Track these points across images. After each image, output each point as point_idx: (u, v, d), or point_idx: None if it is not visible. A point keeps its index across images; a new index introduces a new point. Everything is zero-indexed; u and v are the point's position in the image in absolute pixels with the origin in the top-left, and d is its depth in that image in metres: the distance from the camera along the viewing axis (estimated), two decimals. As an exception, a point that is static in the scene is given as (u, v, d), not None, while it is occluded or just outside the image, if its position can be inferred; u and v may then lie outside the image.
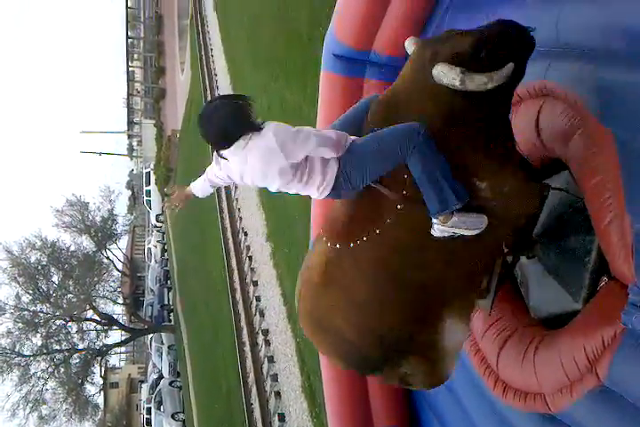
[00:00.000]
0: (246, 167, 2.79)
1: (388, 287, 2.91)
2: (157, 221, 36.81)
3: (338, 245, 2.93)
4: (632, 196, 2.47)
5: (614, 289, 2.65)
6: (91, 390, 34.80)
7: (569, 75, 2.93)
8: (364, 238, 2.86)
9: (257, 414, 11.04)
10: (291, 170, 2.75)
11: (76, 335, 31.59)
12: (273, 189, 2.90)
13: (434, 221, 2.76)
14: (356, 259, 2.90)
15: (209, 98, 21.17)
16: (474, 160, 2.73)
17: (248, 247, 13.35)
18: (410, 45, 2.84)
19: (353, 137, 2.85)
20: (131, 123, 49.77)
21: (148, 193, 35.64)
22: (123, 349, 44.27)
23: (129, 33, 46.53)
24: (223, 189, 16.60)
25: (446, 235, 2.77)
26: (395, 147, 2.68)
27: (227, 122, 2.68)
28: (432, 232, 2.78)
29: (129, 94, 48.48)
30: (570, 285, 3.12)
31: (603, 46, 2.72)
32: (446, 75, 2.57)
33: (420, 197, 2.74)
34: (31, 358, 30.17)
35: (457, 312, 3.01)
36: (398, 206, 2.78)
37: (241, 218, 14.54)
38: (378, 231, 2.83)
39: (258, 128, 2.69)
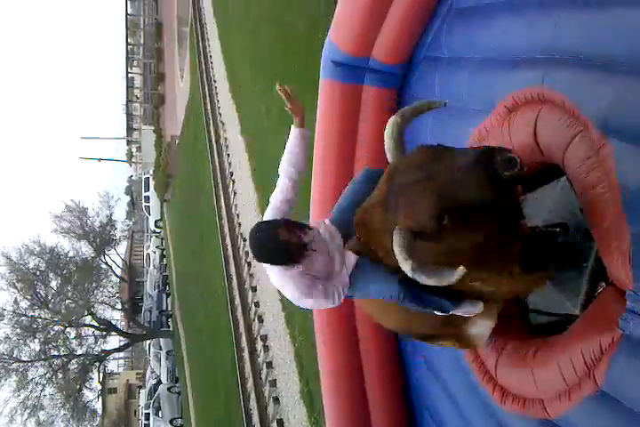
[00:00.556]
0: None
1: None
2: (156, 227, 36.81)
3: None
4: (630, 202, 2.49)
5: (612, 295, 2.66)
6: (89, 395, 34.80)
7: (567, 81, 2.95)
8: None
9: (255, 419, 11.02)
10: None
11: (74, 341, 31.58)
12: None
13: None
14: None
15: (208, 104, 21.22)
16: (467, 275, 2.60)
17: (247, 253, 13.34)
18: (388, 138, 2.77)
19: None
20: (130, 129, 49.81)
21: (147, 199, 35.65)
22: (121, 354, 44.21)
23: (129, 39, 46.62)
24: (222, 197, 16.62)
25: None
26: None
27: (269, 256, 2.93)
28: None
29: (128, 100, 48.52)
30: (568, 291, 3.13)
31: (601, 53, 2.74)
32: (401, 262, 2.48)
33: None
34: (29, 364, 30.14)
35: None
36: None
37: (240, 224, 14.55)
38: None
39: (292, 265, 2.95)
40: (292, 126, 3.25)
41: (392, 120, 2.76)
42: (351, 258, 3.05)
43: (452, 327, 3.27)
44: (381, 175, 2.75)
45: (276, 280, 3.03)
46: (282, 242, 2.83)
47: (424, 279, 2.46)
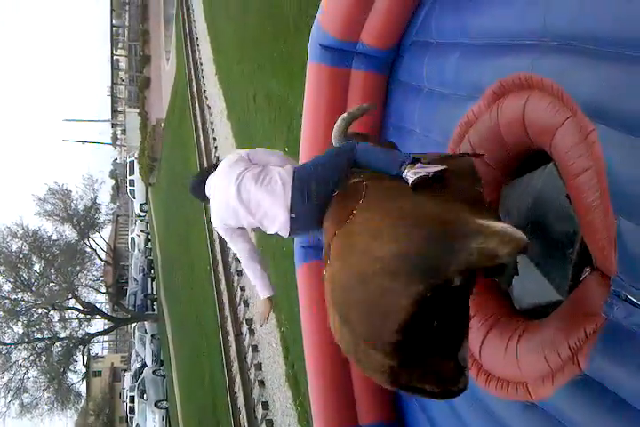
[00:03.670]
0: (218, 195, 3.35)
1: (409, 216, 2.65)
2: (141, 211, 36.65)
3: (335, 232, 2.79)
4: (617, 189, 2.50)
5: (597, 280, 2.69)
6: (73, 378, 34.78)
7: (556, 67, 2.95)
8: (354, 211, 2.74)
9: (241, 402, 11.09)
10: (241, 161, 3.31)
11: (58, 324, 31.46)
12: (235, 197, 3.23)
13: (403, 175, 2.85)
14: (360, 221, 2.71)
15: (194, 87, 21.06)
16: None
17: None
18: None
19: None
20: (115, 111, 49.40)
21: (132, 182, 35.45)
22: (106, 338, 44.21)
23: (114, 21, 46.05)
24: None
25: (422, 175, 2.78)
26: (339, 155, 3.14)
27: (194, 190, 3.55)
28: (410, 182, 2.79)
29: (113, 83, 48.06)
30: (553, 275, 3.16)
31: (592, 38, 2.74)
32: (336, 126, 3.33)
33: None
34: (12, 347, 30.01)
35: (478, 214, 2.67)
36: (365, 183, 2.91)
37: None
38: (361, 201, 2.78)
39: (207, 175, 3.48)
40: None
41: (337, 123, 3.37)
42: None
43: (466, 215, 2.60)
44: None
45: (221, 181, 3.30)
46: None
47: (360, 107, 3.45)
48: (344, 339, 2.68)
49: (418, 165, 2.87)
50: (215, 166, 3.41)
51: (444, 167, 2.84)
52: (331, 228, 2.90)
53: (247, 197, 3.15)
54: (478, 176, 3.02)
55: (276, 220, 3.13)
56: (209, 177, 3.40)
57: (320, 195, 3.05)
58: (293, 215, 3.08)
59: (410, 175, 2.84)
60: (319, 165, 3.14)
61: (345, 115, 3.37)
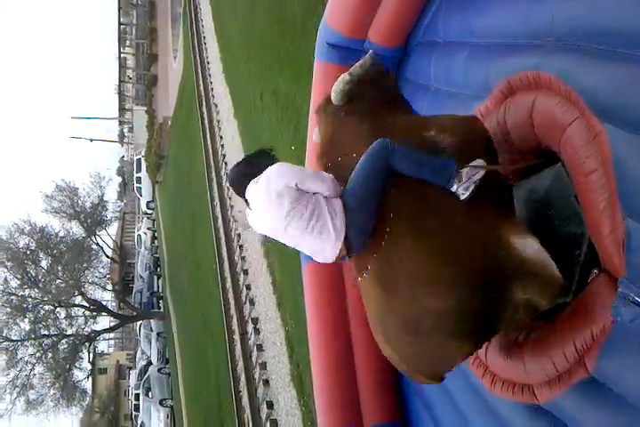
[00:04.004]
0: (258, 213, 3.03)
1: (434, 257, 2.76)
2: (148, 208, 36.73)
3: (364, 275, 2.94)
4: (625, 190, 2.48)
5: (604, 282, 2.66)
6: (79, 375, 34.95)
7: (564, 67, 2.92)
8: (375, 254, 2.86)
9: (245, 401, 11.10)
10: (292, 193, 2.89)
11: (64, 321, 31.58)
12: (281, 227, 2.97)
13: (454, 188, 2.85)
14: (387, 260, 2.84)
15: (201, 86, 21.08)
16: (412, 127, 3.14)
17: (239, 236, 13.35)
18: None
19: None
20: (122, 109, 49.53)
21: (139, 180, 35.54)
22: (111, 335, 44.36)
23: (121, 19, 46.16)
24: (215, 179, 16.58)
25: (472, 188, 2.83)
26: (375, 165, 2.87)
27: (241, 177, 3.08)
28: (462, 198, 2.83)
29: (120, 81, 48.20)
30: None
31: (599, 38, 2.72)
32: (337, 82, 3.09)
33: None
34: (19, 343, 30.14)
35: (510, 228, 2.84)
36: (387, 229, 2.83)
37: (232, 206, 14.53)
38: (386, 236, 2.83)
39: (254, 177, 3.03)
40: None
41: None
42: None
43: (504, 256, 2.77)
44: None
45: (264, 181, 2.97)
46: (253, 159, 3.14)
47: (357, 64, 3.12)
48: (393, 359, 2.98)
49: (464, 171, 2.84)
50: (258, 168, 3.03)
51: (484, 171, 2.87)
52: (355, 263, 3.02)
53: (293, 235, 2.95)
54: (493, 146, 3.14)
55: (322, 254, 2.99)
56: (250, 181, 3.01)
57: (367, 223, 2.88)
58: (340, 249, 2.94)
59: (461, 191, 2.84)
60: (358, 190, 2.89)
61: (346, 76, 3.15)
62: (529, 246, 2.80)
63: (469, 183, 2.84)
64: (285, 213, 2.87)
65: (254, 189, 2.97)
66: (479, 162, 2.91)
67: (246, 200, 3.05)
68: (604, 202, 2.58)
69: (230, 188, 3.29)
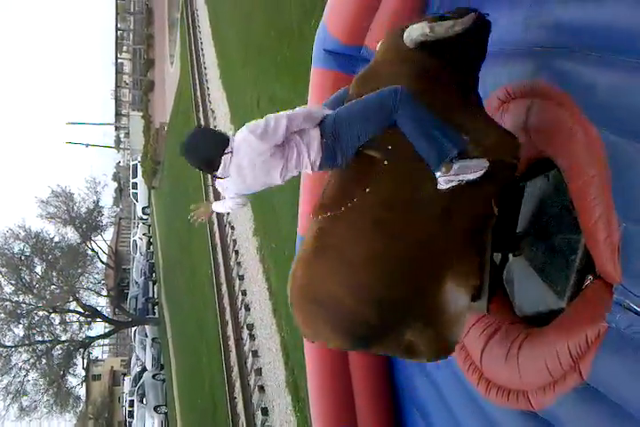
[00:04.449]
0: (242, 177, 2.94)
1: (382, 245, 2.81)
2: (143, 214, 36.66)
3: (329, 213, 2.89)
4: (619, 195, 2.49)
5: (599, 288, 2.67)
6: (72, 381, 34.68)
7: (560, 74, 2.94)
8: (355, 200, 2.84)
9: (240, 407, 11.06)
10: (278, 153, 2.86)
11: (58, 327, 31.41)
12: (279, 181, 2.99)
13: (437, 175, 2.76)
14: (349, 221, 2.85)
15: (198, 91, 21.09)
16: (452, 115, 2.82)
17: (235, 241, 13.33)
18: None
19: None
20: (118, 115, 49.47)
21: (135, 185, 35.47)
22: (106, 341, 44.06)
23: (119, 25, 46.21)
24: (211, 185, 16.57)
25: (454, 184, 2.76)
26: (379, 104, 2.78)
27: (204, 152, 2.93)
28: (439, 186, 2.77)
29: (117, 86, 48.18)
30: (555, 283, 3.14)
31: (597, 46, 2.74)
32: (416, 29, 2.78)
33: (405, 154, 2.78)
34: (13, 349, 29.96)
35: (457, 275, 2.86)
36: (385, 162, 2.81)
37: (228, 212, 14.50)
38: (367, 190, 2.82)
39: (228, 145, 2.89)
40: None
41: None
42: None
43: (425, 296, 2.82)
44: None
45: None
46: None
47: (444, 24, 2.75)
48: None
49: (456, 166, 2.73)
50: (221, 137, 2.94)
51: (482, 171, 2.77)
52: (328, 200, 2.94)
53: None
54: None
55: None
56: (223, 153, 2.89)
57: (348, 155, 2.87)
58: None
59: (442, 182, 2.77)
60: (352, 118, 2.86)
61: (425, 29, 2.83)
62: (459, 301, 2.86)
63: (455, 179, 2.76)
64: (280, 171, 2.92)
65: (233, 163, 2.89)
66: (483, 163, 2.78)
67: (216, 169, 2.93)
68: (600, 208, 2.59)
69: (193, 165, 3.01)
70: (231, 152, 2.87)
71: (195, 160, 2.99)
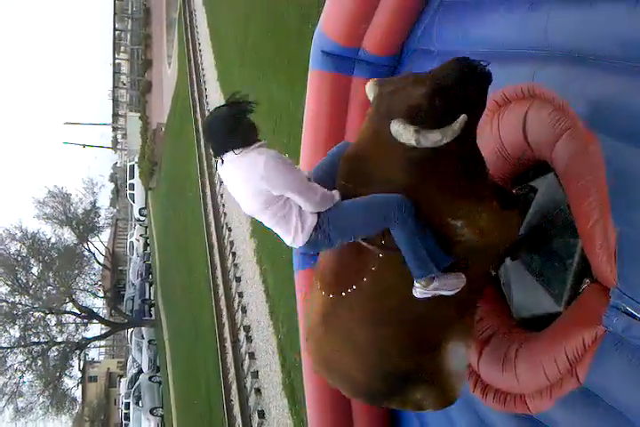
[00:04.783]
0: (231, 179, 2.87)
1: (384, 327, 3.04)
2: (140, 215, 36.61)
3: (331, 296, 3.06)
4: (616, 199, 2.49)
5: (596, 292, 2.67)
6: (69, 383, 34.58)
7: (557, 77, 2.94)
8: (354, 287, 2.98)
9: (236, 410, 11.03)
10: (268, 197, 2.77)
11: (54, 328, 31.31)
12: (248, 211, 2.92)
13: (415, 284, 2.88)
14: (350, 306, 3.03)
15: (196, 92, 21.08)
16: (446, 202, 2.81)
17: (232, 243, 13.31)
18: (370, 90, 2.83)
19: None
20: (116, 115, 49.44)
21: (132, 186, 35.43)
22: (102, 342, 44.01)
23: (116, 25, 46.19)
24: (208, 185, 16.55)
25: (428, 296, 2.89)
26: (383, 216, 2.76)
27: (223, 135, 2.77)
28: (414, 293, 2.89)
29: (114, 86, 48.14)
30: (552, 287, 3.14)
31: (592, 49, 2.74)
32: (402, 134, 2.58)
33: (397, 247, 2.85)
34: (8, 350, 29.87)
35: (456, 335, 3.10)
36: (380, 255, 2.89)
37: (225, 213, 14.50)
38: (365, 279, 2.95)
39: (250, 144, 2.77)
40: None
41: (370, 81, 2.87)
42: (336, 195, 2.86)
43: (429, 353, 3.09)
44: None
45: (245, 165, 2.75)
46: (243, 111, 2.81)
47: (430, 135, 2.55)
48: None
49: (436, 283, 2.82)
50: (243, 135, 2.78)
51: (457, 290, 2.89)
52: (330, 280, 3.08)
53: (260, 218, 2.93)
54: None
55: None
56: (232, 147, 2.76)
57: (334, 245, 2.91)
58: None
59: (418, 293, 2.87)
60: (351, 224, 2.84)
61: (420, 140, 2.64)
62: (457, 359, 3.12)
63: (431, 292, 2.87)
64: (257, 209, 2.84)
65: (235, 162, 2.78)
66: (460, 281, 2.89)
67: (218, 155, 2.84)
68: (596, 212, 2.59)
69: (206, 136, 2.89)
70: (252, 148, 2.76)
71: (211, 138, 2.83)
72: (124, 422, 30.40)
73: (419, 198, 2.75)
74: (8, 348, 29.68)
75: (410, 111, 2.59)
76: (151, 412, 23.11)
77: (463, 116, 2.56)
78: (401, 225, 2.74)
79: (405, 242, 2.78)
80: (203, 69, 21.35)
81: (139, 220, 37.86)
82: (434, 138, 2.56)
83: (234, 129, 2.75)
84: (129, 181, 35.92)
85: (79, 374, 35.71)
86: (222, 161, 2.84)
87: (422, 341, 3.08)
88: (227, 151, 2.77)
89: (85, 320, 31.74)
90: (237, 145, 2.75)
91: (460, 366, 3.15)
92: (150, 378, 24.98)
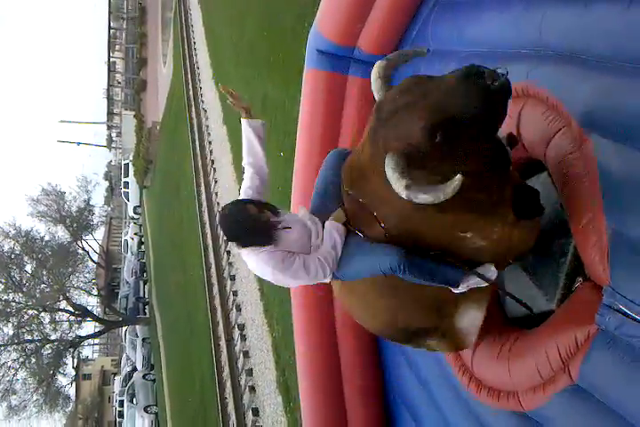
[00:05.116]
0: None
1: (394, 298, 3.10)
2: (135, 213, 36.55)
3: None
4: (610, 198, 2.50)
5: (589, 290, 2.68)
6: (62, 381, 34.56)
7: (551, 77, 2.95)
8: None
9: (231, 408, 11.04)
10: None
11: (48, 326, 31.25)
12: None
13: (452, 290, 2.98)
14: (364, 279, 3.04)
15: (191, 91, 21.05)
16: (455, 219, 2.69)
17: (227, 242, 13.29)
18: (375, 79, 2.67)
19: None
20: (110, 114, 49.29)
21: (126, 185, 35.38)
22: (96, 340, 43.95)
23: (111, 24, 46.06)
24: (203, 185, 16.53)
25: (466, 289, 2.96)
26: (387, 272, 2.83)
27: (238, 232, 2.88)
28: (453, 290, 2.96)
29: (109, 85, 47.99)
30: (545, 285, 3.15)
31: (586, 49, 2.75)
32: (394, 183, 2.39)
33: None
34: (2, 348, 29.80)
35: (470, 299, 3.11)
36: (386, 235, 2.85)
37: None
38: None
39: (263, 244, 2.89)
40: (242, 119, 3.29)
41: (377, 63, 2.70)
42: (340, 229, 2.92)
43: (442, 318, 3.17)
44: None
45: (252, 263, 2.96)
46: (251, 217, 2.83)
47: (421, 196, 2.35)
48: None
49: (464, 282, 2.91)
50: (260, 236, 2.88)
51: (492, 279, 2.91)
52: None
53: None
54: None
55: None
56: (249, 244, 2.91)
57: None
58: None
59: (455, 290, 2.95)
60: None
61: (393, 53, 2.74)
62: (471, 318, 3.17)
63: (466, 288, 2.96)
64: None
65: (250, 254, 2.93)
66: (491, 271, 2.90)
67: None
68: (589, 211, 2.60)
69: (224, 230, 2.97)
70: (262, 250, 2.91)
71: (227, 232, 2.94)
72: (117, 419, 30.37)
73: (422, 219, 2.67)
74: (1, 345, 29.63)
75: (407, 148, 2.37)
76: (145, 410, 23.10)
77: (458, 177, 2.30)
78: (406, 276, 2.80)
79: (417, 279, 2.83)
80: (198, 68, 21.34)
81: (133, 218, 37.82)
82: (425, 199, 2.36)
83: (254, 227, 2.86)
84: (123, 180, 35.88)
85: (73, 372, 35.64)
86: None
87: (437, 304, 3.12)
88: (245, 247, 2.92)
89: (79, 318, 31.71)
90: (251, 243, 2.90)
91: (473, 324, 3.19)
92: (144, 376, 24.96)
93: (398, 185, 2.37)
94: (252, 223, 2.83)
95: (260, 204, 2.95)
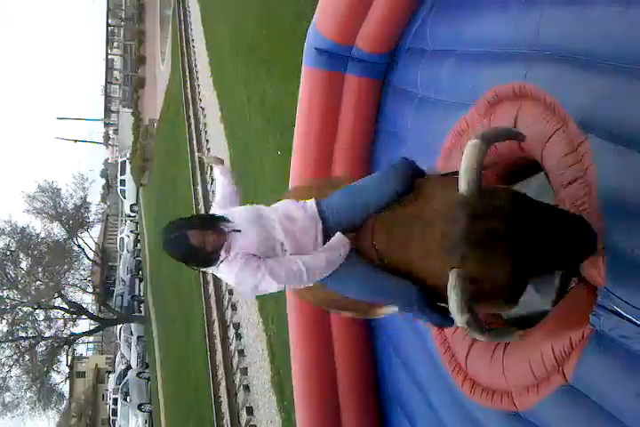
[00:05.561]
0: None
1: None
2: (131, 211, 36.52)
3: None
4: (606, 200, 2.50)
5: (584, 291, 2.68)
6: (56, 378, 34.52)
7: (549, 77, 2.95)
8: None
9: (225, 407, 11.03)
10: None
11: (43, 323, 31.20)
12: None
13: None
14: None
15: (188, 89, 21.03)
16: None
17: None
18: (470, 169, 2.39)
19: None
20: (108, 111, 49.27)
21: (123, 182, 35.34)
22: (91, 338, 43.92)
23: (110, 20, 46.02)
24: (200, 183, 16.51)
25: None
26: (381, 299, 2.85)
27: (182, 259, 2.83)
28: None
29: (107, 82, 47.97)
30: (540, 285, 3.15)
31: (585, 49, 2.75)
32: (451, 306, 2.39)
33: None
34: (-4, 345, 29.75)
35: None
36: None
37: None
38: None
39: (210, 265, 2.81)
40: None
41: (474, 146, 2.40)
42: (347, 249, 2.77)
43: (371, 308, 3.25)
44: (418, 173, 2.81)
45: (221, 275, 2.87)
46: (192, 247, 2.71)
47: (473, 335, 2.48)
48: None
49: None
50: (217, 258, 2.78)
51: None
52: None
53: None
54: None
55: None
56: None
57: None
58: None
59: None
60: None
61: (489, 132, 2.50)
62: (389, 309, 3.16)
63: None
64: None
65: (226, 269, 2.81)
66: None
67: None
68: (586, 212, 2.60)
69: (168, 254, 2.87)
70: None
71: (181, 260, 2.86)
72: (111, 417, 30.36)
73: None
74: (-5, 342, 29.56)
75: (483, 284, 2.40)
76: (139, 408, 23.11)
77: (521, 334, 2.66)
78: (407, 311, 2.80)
79: (417, 315, 2.82)
80: (196, 66, 21.32)
81: (129, 216, 37.79)
82: (478, 337, 2.51)
83: (195, 256, 2.79)
84: (120, 177, 35.86)
85: (67, 370, 35.62)
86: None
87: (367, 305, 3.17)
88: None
89: (74, 316, 31.65)
90: (198, 266, 2.88)
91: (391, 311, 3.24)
92: (139, 374, 24.99)
93: (459, 314, 2.38)
94: (195, 254, 2.74)
95: (205, 224, 2.77)
